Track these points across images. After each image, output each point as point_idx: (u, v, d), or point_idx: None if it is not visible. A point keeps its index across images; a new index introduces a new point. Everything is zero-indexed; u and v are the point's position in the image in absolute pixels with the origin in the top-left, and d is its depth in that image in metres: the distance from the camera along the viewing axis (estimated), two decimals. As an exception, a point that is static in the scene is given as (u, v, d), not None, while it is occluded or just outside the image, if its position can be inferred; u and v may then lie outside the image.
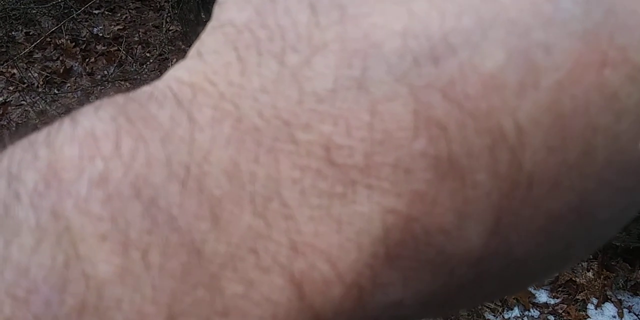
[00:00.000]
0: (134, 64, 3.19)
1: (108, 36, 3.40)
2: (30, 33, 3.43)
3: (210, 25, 0.16)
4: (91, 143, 0.13)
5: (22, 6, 3.33)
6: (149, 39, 3.35)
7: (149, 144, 0.13)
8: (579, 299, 1.85)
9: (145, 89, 0.15)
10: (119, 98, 0.15)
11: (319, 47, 0.13)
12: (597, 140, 0.13)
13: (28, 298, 0.12)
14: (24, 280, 0.12)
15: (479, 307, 1.80)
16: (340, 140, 0.13)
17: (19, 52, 3.17)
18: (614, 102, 0.13)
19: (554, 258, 0.15)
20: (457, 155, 0.13)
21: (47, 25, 3.38)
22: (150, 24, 3.48)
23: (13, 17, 3.34)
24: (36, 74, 3.16)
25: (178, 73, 0.15)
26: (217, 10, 0.16)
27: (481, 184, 0.13)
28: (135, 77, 3.07)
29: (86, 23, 3.45)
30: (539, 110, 0.13)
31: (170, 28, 3.25)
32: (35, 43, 3.12)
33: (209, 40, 0.15)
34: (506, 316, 1.81)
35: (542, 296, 1.87)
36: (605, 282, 1.86)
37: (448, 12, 0.13)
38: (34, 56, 3.31)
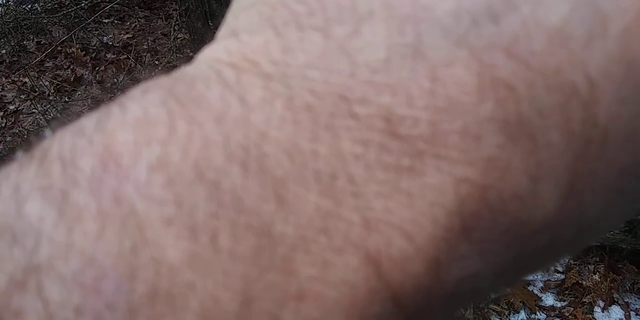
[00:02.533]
0: (143, 72, 3.23)
1: (117, 44, 3.44)
2: (42, 42, 3.48)
3: (238, 5, 0.15)
4: (144, 127, 0.13)
5: (34, 16, 3.38)
6: (157, 47, 3.39)
7: (203, 126, 0.13)
8: (585, 301, 1.84)
9: (188, 70, 0.15)
10: (165, 80, 0.14)
11: (364, 16, 0.13)
12: None
13: (97, 286, 0.12)
14: (90, 267, 0.12)
15: (485, 310, 1.80)
16: (402, 110, 0.12)
17: (31, 61, 3.22)
18: None
19: (621, 215, 0.15)
20: (528, 115, 0.12)
21: (57, 35, 3.43)
22: (159, 32, 3.52)
23: (24, 26, 3.39)
24: (47, 83, 3.20)
25: (216, 53, 0.14)
26: None
27: (554, 144, 0.12)
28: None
29: (96, 32, 3.49)
30: (609, 60, 0.12)
31: (179, 36, 3.29)
32: (46, 52, 3.16)
33: (241, 19, 0.15)
34: (512, 319, 1.81)
35: (549, 299, 1.87)
36: (612, 284, 1.86)
37: None
38: (45, 65, 3.35)
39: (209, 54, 0.15)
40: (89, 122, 0.14)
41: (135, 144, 0.13)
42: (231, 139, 0.13)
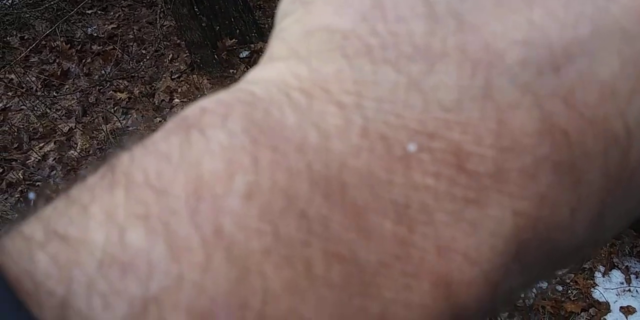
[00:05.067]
0: (131, 62, 3.20)
1: (103, 35, 3.40)
2: (25, 37, 3.43)
3: (296, 27, 0.16)
4: (230, 157, 0.13)
5: (15, 11, 3.33)
6: (143, 36, 3.36)
7: (287, 155, 0.13)
8: (586, 267, 1.87)
9: (256, 91, 0.15)
10: (238, 104, 0.14)
11: (438, 56, 0.14)
12: None
13: (211, 316, 0.12)
14: (203, 298, 0.12)
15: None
16: (471, 147, 0.13)
17: (15, 57, 3.18)
18: None
19: (627, 224, 0.17)
20: (576, 158, 0.14)
21: (41, 29, 3.38)
22: (144, 20, 3.48)
23: (7, 22, 3.34)
24: (34, 78, 3.17)
25: (284, 77, 0.15)
26: (300, 10, 0.16)
27: (594, 183, 0.14)
28: (133, 74, 3.08)
29: (80, 24, 3.45)
30: None
31: (164, 23, 3.25)
32: (30, 47, 3.12)
33: (308, 42, 0.15)
34: (515, 289, 1.83)
35: (550, 267, 1.89)
36: (612, 249, 1.88)
37: (566, 21, 0.14)
38: (30, 60, 3.31)
39: (274, 75, 0.15)
40: (169, 146, 0.14)
41: (224, 172, 0.13)
42: (313, 169, 0.13)
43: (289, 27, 0.16)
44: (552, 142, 0.13)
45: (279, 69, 0.15)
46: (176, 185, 0.13)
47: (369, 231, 0.13)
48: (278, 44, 0.16)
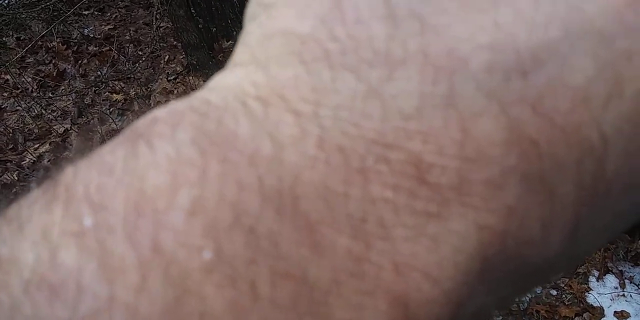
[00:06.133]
0: (127, 63, 3.19)
1: (99, 36, 3.40)
2: (21, 38, 3.42)
3: (258, 31, 0.15)
4: (177, 169, 0.13)
5: (11, 11, 3.32)
6: (140, 37, 3.35)
7: (237, 167, 0.13)
8: (580, 272, 1.87)
9: (212, 99, 0.14)
10: (190, 113, 0.14)
11: (399, 62, 0.13)
12: None
13: None
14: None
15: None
16: (432, 158, 0.12)
17: (11, 57, 3.17)
18: None
19: (607, 241, 0.16)
20: (547, 169, 0.13)
21: (37, 29, 3.37)
22: (141, 21, 3.48)
23: (3, 22, 3.33)
24: (29, 79, 3.16)
25: (241, 84, 0.14)
26: (263, 14, 0.15)
27: (567, 195, 0.13)
28: (129, 76, 3.07)
29: (76, 24, 3.44)
30: (622, 118, 0.13)
31: (161, 25, 3.25)
32: (26, 48, 3.12)
33: (267, 47, 0.14)
34: (510, 293, 1.83)
35: (545, 271, 1.89)
36: (606, 254, 1.88)
37: (535, 22, 0.13)
38: (26, 61, 3.30)
39: (232, 82, 0.14)
40: (114, 159, 0.13)
41: (168, 187, 0.13)
42: (265, 182, 0.13)
43: (252, 32, 0.15)
44: (520, 152, 0.13)
45: (238, 75, 0.15)
46: (116, 200, 0.13)
47: (322, 247, 0.12)
48: (241, 49, 0.15)
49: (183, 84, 2.95)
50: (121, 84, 3.05)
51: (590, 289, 1.84)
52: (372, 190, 0.12)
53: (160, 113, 0.14)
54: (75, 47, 3.34)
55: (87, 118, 2.91)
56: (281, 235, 0.12)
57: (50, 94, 3.09)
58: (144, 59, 3.16)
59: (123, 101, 2.96)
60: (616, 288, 1.84)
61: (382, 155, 0.13)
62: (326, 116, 0.13)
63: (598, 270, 1.87)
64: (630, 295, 1.82)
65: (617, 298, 1.81)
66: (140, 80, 3.04)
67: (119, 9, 3.61)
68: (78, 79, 3.17)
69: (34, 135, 2.86)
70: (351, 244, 0.12)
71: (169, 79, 3.02)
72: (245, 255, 0.12)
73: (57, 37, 3.31)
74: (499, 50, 0.13)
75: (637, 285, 1.83)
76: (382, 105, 0.13)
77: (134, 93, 2.96)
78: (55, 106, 3.01)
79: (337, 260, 0.12)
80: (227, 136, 0.13)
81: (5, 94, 3.11)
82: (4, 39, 3.40)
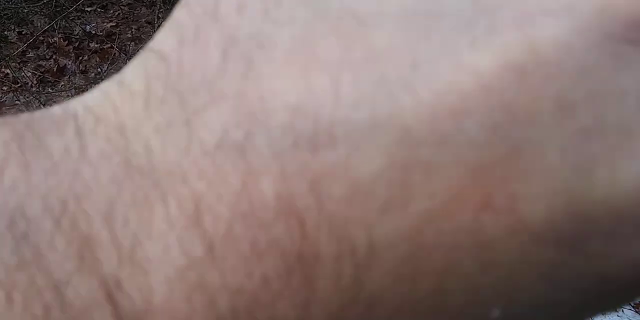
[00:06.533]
0: (128, 61, 3.19)
1: (101, 33, 3.40)
2: (23, 32, 3.42)
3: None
4: None
5: (14, 6, 3.32)
6: (142, 36, 3.35)
7: (32, 174, 0.13)
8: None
9: (54, 111, 0.14)
10: (22, 121, 0.14)
11: (217, 97, 0.13)
12: (453, 286, 0.12)
13: None
14: None
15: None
16: (210, 202, 0.12)
17: (12, 51, 3.17)
18: (485, 252, 0.12)
19: None
20: (306, 254, 0.12)
21: (39, 24, 3.37)
22: (143, 20, 3.48)
23: (5, 16, 3.33)
24: (29, 74, 3.15)
25: (91, 97, 0.14)
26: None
27: (322, 290, 0.12)
28: (129, 74, 3.07)
29: (78, 21, 3.44)
30: (399, 234, 0.12)
31: (163, 24, 3.25)
32: (28, 42, 3.11)
33: (134, 63, 0.14)
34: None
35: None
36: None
37: (346, 98, 0.12)
38: (27, 55, 3.30)
39: (88, 95, 0.15)
40: None
41: None
42: (53, 191, 0.13)
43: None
44: (286, 226, 0.12)
45: (96, 89, 0.15)
46: None
47: (88, 264, 0.12)
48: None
49: (183, 84, 2.95)
50: (121, 81, 3.05)
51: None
52: (153, 220, 0.12)
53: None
54: (77, 44, 3.34)
55: (86, 115, 2.91)
56: (52, 246, 0.12)
57: (49, 90, 3.08)
58: (145, 57, 3.16)
59: (122, 99, 2.96)
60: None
61: (172, 187, 0.12)
62: (141, 135, 0.13)
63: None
64: (622, 311, 1.82)
65: (609, 312, 1.81)
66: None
67: (122, 7, 3.61)
68: (78, 75, 3.16)
69: (32, 130, 2.86)
70: (115, 268, 0.12)
71: (169, 78, 3.02)
72: (10, 260, 0.12)
73: (58, 33, 3.30)
74: (300, 114, 0.12)
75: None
76: (188, 135, 0.13)
77: (133, 91, 2.96)
78: (54, 102, 3.00)
79: (98, 280, 0.12)
80: (38, 146, 0.13)
81: (5, 88, 3.10)
82: (5, 32, 3.39)
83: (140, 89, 0.14)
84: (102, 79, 3.06)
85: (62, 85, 3.12)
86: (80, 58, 3.26)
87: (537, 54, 0.11)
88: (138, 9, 3.60)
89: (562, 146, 0.11)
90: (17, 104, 3.00)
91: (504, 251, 0.12)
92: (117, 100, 0.14)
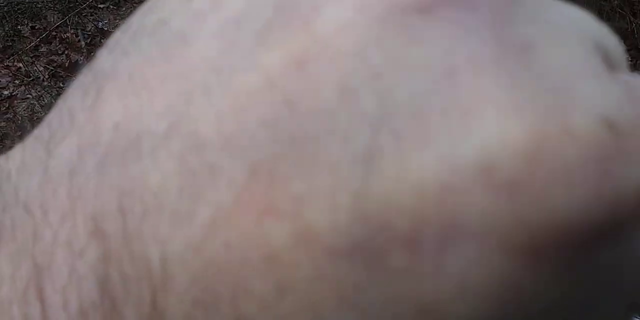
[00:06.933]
0: (139, 58, 3.20)
1: (113, 30, 3.41)
2: (36, 27, 3.45)
3: None
4: None
5: (28, 1, 3.35)
6: (153, 33, 3.36)
7: None
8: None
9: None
10: None
11: (69, 131, 0.13)
12: (254, 314, 0.10)
13: None
14: None
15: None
16: (43, 249, 0.12)
17: (25, 46, 3.19)
18: (276, 269, 0.10)
19: None
20: (113, 280, 0.11)
21: (52, 20, 3.40)
22: (155, 18, 3.49)
23: (19, 11, 3.36)
24: (42, 68, 3.17)
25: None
26: None
27: (130, 316, 0.11)
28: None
29: (91, 17, 3.46)
30: (189, 249, 0.11)
31: (175, 22, 3.26)
32: (40, 37, 3.14)
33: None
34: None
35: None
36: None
37: (155, 111, 0.12)
38: (39, 50, 3.32)
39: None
40: None
41: None
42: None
43: None
44: (96, 246, 0.11)
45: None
46: None
47: None
48: None
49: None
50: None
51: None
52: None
53: None
54: (89, 40, 3.36)
55: (96, 110, 2.93)
56: None
57: (61, 84, 3.10)
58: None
59: (133, 95, 2.97)
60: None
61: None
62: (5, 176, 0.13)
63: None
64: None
65: None
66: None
67: (134, 4, 3.63)
68: (90, 70, 3.18)
69: (43, 124, 2.88)
70: None
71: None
72: None
73: (71, 29, 3.33)
74: (120, 131, 0.12)
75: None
76: (44, 169, 0.13)
77: (144, 87, 2.98)
78: (65, 96, 3.02)
79: None
80: None
81: (17, 82, 3.13)
82: (19, 27, 3.42)
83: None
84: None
85: (73, 80, 3.14)
86: (92, 54, 3.28)
87: (316, 42, 0.11)
88: (150, 6, 3.62)
89: (345, 137, 0.10)
90: (28, 98, 3.02)
91: (296, 267, 0.10)
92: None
